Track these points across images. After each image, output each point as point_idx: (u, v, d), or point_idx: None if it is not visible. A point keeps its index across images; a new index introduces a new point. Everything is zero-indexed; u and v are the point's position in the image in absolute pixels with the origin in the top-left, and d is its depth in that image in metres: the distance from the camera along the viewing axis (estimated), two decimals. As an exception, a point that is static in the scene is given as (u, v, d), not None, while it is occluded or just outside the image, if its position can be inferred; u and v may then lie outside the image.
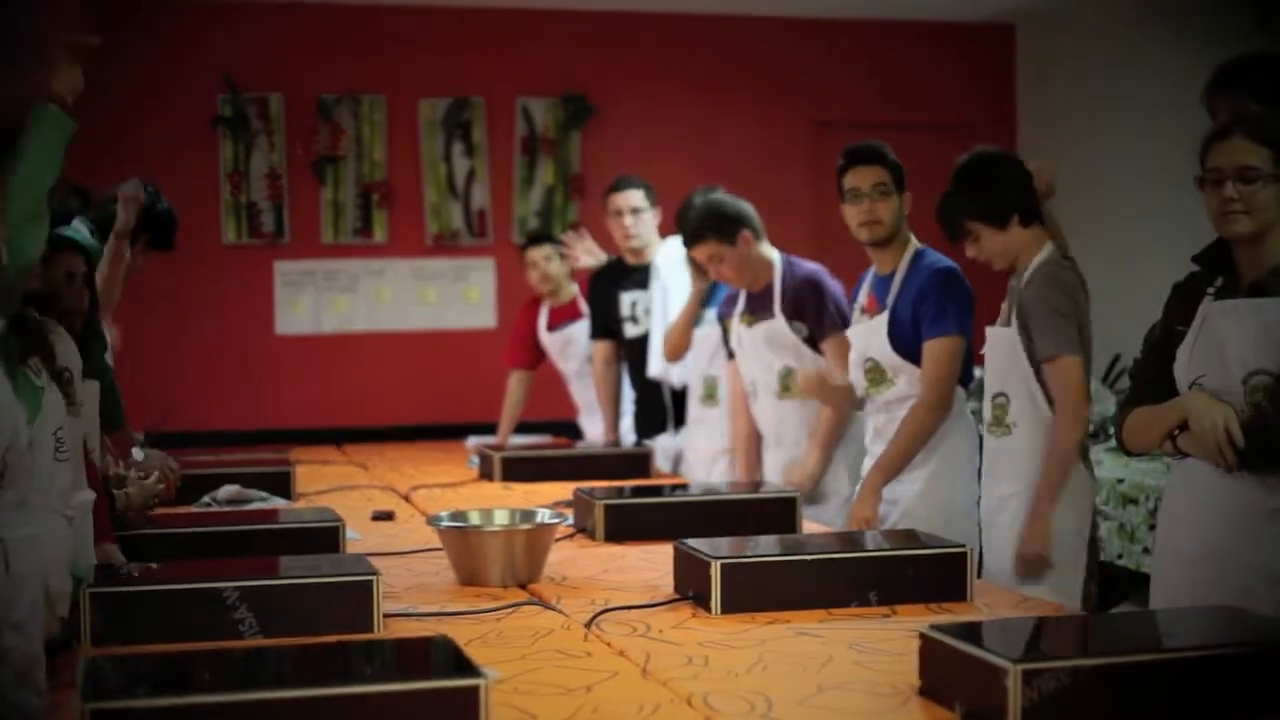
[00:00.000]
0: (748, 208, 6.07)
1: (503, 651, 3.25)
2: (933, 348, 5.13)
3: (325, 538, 4.29)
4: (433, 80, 9.39)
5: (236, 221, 9.15)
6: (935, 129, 8.90)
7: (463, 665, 2.62)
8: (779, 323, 5.88)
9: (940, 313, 5.08)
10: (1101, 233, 7.26)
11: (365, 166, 9.33)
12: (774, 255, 6.05)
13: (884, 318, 5.20)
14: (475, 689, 2.53)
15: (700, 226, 5.94)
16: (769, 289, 5.94)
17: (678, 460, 6.93)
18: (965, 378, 5.15)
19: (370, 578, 3.46)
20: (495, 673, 2.93)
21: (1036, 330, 4.58)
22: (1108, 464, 6.73)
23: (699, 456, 6.66)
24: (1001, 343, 4.69)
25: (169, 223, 5.50)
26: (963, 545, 3.85)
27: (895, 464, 5.13)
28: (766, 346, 5.93)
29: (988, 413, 4.75)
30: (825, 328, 5.87)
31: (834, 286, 5.95)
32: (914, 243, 5.29)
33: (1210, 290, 3.80)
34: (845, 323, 5.73)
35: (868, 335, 5.30)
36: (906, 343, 5.15)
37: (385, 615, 3.50)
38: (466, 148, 9.47)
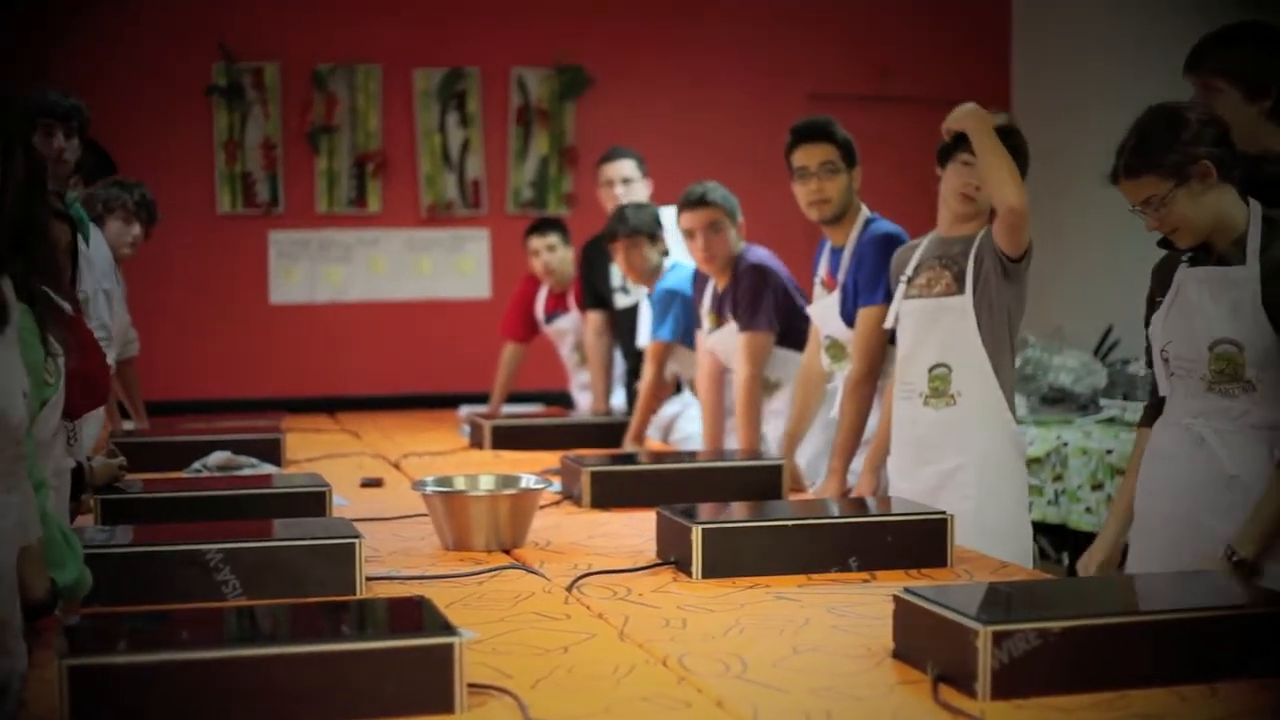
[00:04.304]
0: None
1: (483, 613, 3.28)
2: (863, 316, 5.08)
3: (311, 503, 4.31)
4: (428, 50, 9.40)
5: (231, 191, 9.17)
6: (930, 102, 8.90)
7: (438, 624, 2.65)
8: (732, 328, 5.84)
9: (873, 280, 5.03)
10: (1096, 206, 7.27)
11: (360, 136, 9.34)
12: (739, 249, 5.96)
13: (837, 294, 5.18)
14: (450, 647, 2.55)
15: (713, 194, 5.88)
16: (728, 289, 5.89)
17: (668, 430, 6.95)
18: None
19: (353, 541, 3.49)
20: (472, 633, 2.95)
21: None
22: (1097, 435, 6.76)
23: (697, 429, 6.67)
24: (948, 312, 4.62)
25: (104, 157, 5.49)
26: (943, 512, 3.87)
27: (849, 444, 5.09)
28: (731, 345, 5.86)
29: (922, 384, 4.64)
30: (749, 320, 5.76)
31: (778, 279, 5.83)
32: (864, 213, 5.24)
33: (1185, 258, 3.83)
34: (782, 317, 5.73)
35: (825, 312, 5.28)
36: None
37: (368, 578, 3.54)
38: (461, 118, 9.49)
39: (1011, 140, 4.56)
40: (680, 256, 6.62)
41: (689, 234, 5.86)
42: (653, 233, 6.58)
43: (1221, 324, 3.71)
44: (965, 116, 4.53)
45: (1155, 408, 3.98)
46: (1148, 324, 3.96)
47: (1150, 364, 4.01)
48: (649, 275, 6.60)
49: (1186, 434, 3.77)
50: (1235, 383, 3.70)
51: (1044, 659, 2.66)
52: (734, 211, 5.85)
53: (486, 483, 4.30)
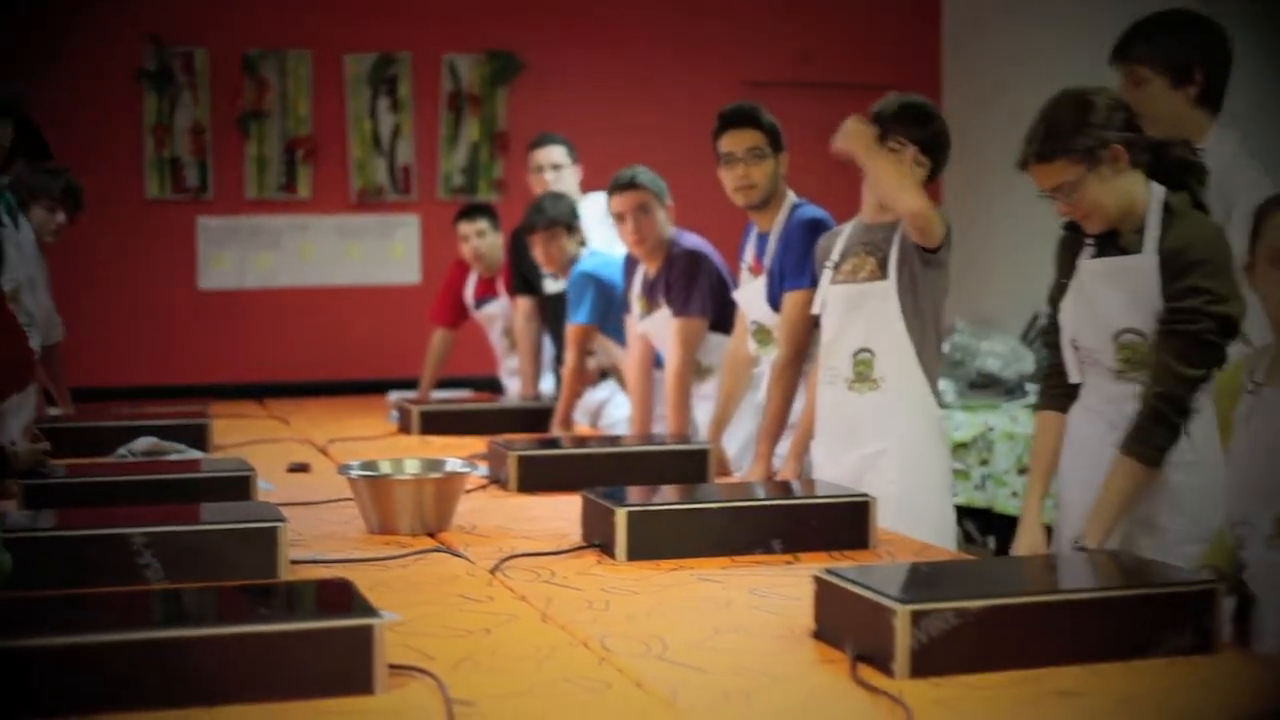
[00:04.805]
0: None
1: (406, 596, 3.28)
2: (788, 301, 5.08)
3: (236, 487, 4.30)
4: (359, 36, 9.38)
5: (160, 176, 9.13)
6: (861, 88, 8.92)
7: (359, 606, 2.65)
8: (665, 313, 5.85)
9: (799, 264, 5.04)
10: (1024, 191, 7.31)
11: (290, 122, 9.32)
12: (670, 234, 5.97)
13: (764, 279, 5.20)
14: (369, 629, 2.55)
15: (641, 177, 5.88)
16: (660, 274, 5.90)
17: (597, 415, 6.96)
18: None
19: (275, 525, 3.48)
20: (394, 615, 2.96)
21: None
22: (1024, 420, 6.81)
23: (625, 414, 6.68)
24: (871, 297, 4.62)
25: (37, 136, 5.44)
26: (865, 495, 3.90)
27: (774, 429, 5.10)
28: (666, 332, 5.87)
29: (846, 369, 4.65)
30: (683, 305, 5.78)
31: (712, 266, 5.85)
32: (791, 199, 5.26)
33: (1089, 241, 3.88)
34: (715, 303, 5.73)
35: (751, 297, 5.29)
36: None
37: (291, 562, 3.53)
38: (392, 104, 9.47)
39: (931, 125, 4.60)
40: (602, 245, 6.64)
41: (619, 217, 5.86)
42: (570, 224, 6.60)
43: (1124, 314, 3.77)
44: (847, 138, 4.57)
45: (1053, 391, 4.03)
46: (1051, 303, 4.01)
47: (1047, 344, 4.07)
48: (566, 266, 6.61)
49: (1101, 420, 3.82)
50: (1142, 370, 3.75)
51: (962, 638, 2.68)
52: (662, 194, 5.86)
53: (412, 466, 4.29)
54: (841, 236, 4.78)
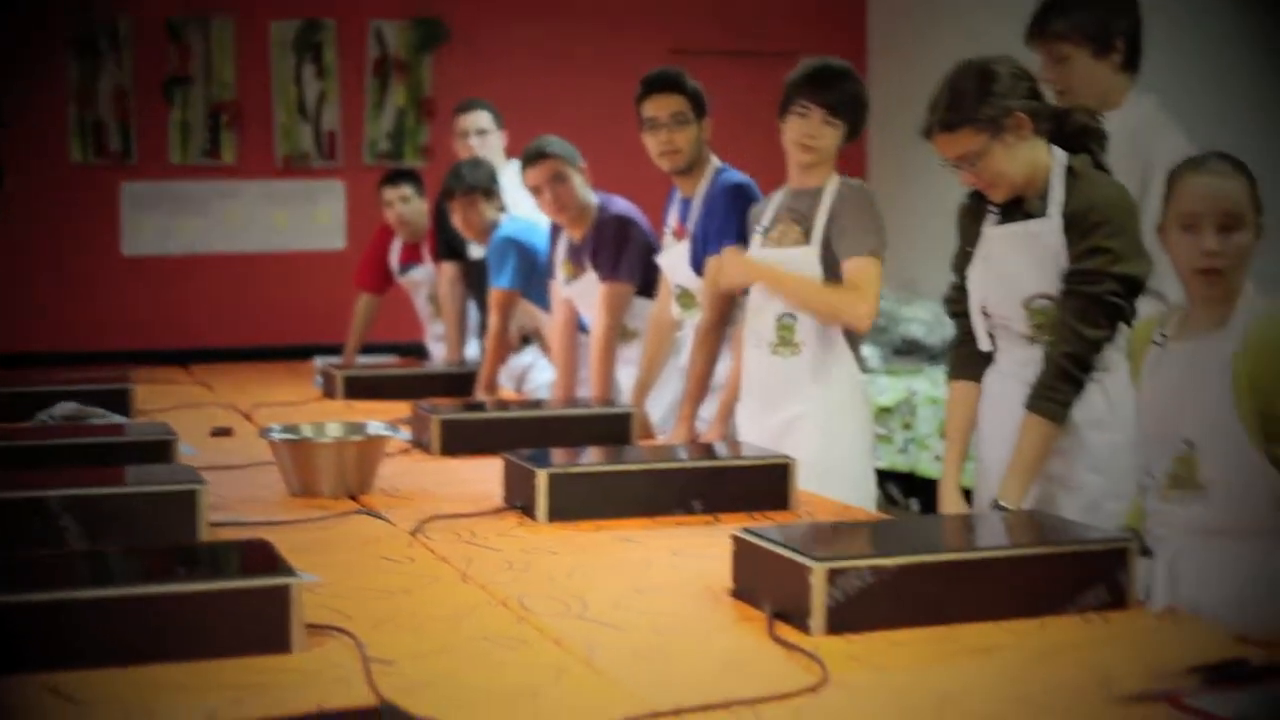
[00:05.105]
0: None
1: (326, 558, 3.28)
2: (712, 264, 5.07)
3: (157, 451, 4.28)
4: (284, 2, 9.31)
5: (83, 141, 9.05)
6: (788, 55, 8.93)
7: (276, 567, 2.65)
8: (593, 278, 5.85)
9: (723, 228, 5.03)
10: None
11: (214, 88, 9.25)
12: (594, 200, 5.96)
13: (687, 243, 5.21)
14: (286, 588, 2.56)
15: (550, 146, 5.87)
16: (587, 239, 5.90)
17: (521, 380, 6.96)
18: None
19: (195, 487, 3.47)
20: (313, 576, 2.96)
21: (850, 227, 4.53)
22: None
23: (550, 379, 6.68)
24: (794, 263, 4.59)
25: None
26: (785, 456, 3.92)
27: (697, 392, 5.10)
28: (592, 297, 5.87)
29: (770, 333, 4.65)
30: (611, 270, 5.76)
31: (640, 231, 5.82)
32: (714, 164, 5.25)
33: (992, 209, 3.91)
34: (643, 268, 5.73)
35: (675, 261, 5.30)
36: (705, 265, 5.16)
37: (212, 524, 3.52)
38: (318, 70, 9.41)
39: (841, 86, 4.60)
40: (529, 210, 6.61)
41: (535, 190, 5.85)
42: (489, 190, 6.57)
43: (1032, 279, 3.81)
44: (728, 277, 4.67)
45: (965, 359, 4.06)
46: (955, 270, 4.05)
47: (954, 313, 4.10)
48: (485, 232, 6.59)
49: (1017, 382, 3.86)
50: (1053, 333, 3.78)
51: (877, 596, 2.71)
52: (574, 159, 5.84)
53: (333, 430, 4.28)
54: (771, 202, 4.79)
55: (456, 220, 6.65)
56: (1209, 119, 5.64)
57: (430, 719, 2.02)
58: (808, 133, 4.57)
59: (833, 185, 4.59)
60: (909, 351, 7.61)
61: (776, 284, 4.56)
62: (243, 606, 2.53)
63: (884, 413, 6.93)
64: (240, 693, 2.34)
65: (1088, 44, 4.36)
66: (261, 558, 2.75)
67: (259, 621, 2.54)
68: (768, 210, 4.77)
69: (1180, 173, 3.26)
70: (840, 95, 4.57)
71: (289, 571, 2.61)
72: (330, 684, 2.39)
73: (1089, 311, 3.70)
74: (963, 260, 4.03)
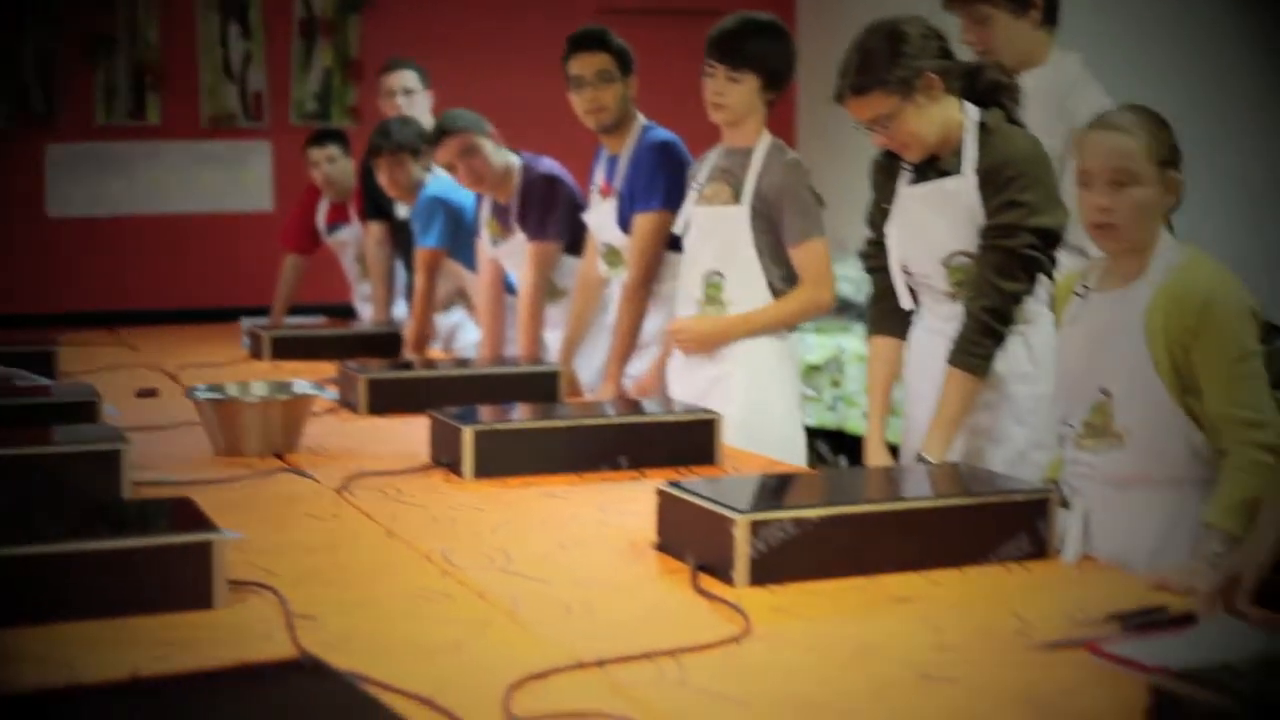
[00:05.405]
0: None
1: (250, 515, 3.26)
2: (639, 222, 5.09)
3: (81, 413, 4.24)
4: (208, -39, 9.25)
5: (6, 103, 8.95)
6: (715, 14, 8.93)
7: (199, 524, 2.64)
8: (520, 238, 5.83)
9: (650, 186, 5.05)
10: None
11: (139, 48, 9.17)
12: (515, 161, 5.93)
13: (614, 201, 5.21)
14: (208, 545, 2.55)
15: (454, 122, 5.84)
16: (513, 200, 5.88)
17: (449, 339, 6.95)
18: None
19: (118, 447, 3.45)
20: (236, 533, 2.95)
21: (790, 213, 4.55)
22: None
23: (478, 339, 6.67)
24: (723, 222, 4.62)
25: None
26: (712, 412, 3.93)
27: (624, 349, 5.13)
28: (519, 257, 5.86)
29: (698, 290, 4.67)
30: (539, 230, 5.75)
31: (567, 190, 5.82)
32: (641, 121, 5.25)
33: (906, 166, 3.93)
34: (570, 227, 5.72)
35: (601, 219, 5.30)
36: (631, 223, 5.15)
37: (136, 484, 3.51)
38: (243, 30, 9.34)
39: (759, 43, 4.58)
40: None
41: (449, 168, 5.84)
42: (416, 148, 6.53)
43: (950, 237, 3.84)
44: (702, 350, 4.65)
45: (884, 315, 4.09)
46: (870, 226, 4.07)
47: (870, 269, 4.12)
48: (411, 191, 6.56)
49: (941, 338, 3.89)
50: (973, 289, 3.81)
51: (800, 547, 2.73)
52: (480, 127, 5.82)
53: (259, 389, 4.27)
54: (707, 160, 4.79)
55: (382, 179, 6.61)
56: (1132, 76, 5.66)
57: (352, 672, 2.02)
58: (715, 90, 4.57)
59: (763, 146, 4.59)
60: (838, 310, 7.62)
61: (749, 330, 4.58)
62: (165, 563, 2.53)
63: (812, 371, 6.95)
64: (163, 649, 2.33)
65: (1005, 3, 4.37)
66: (184, 515, 2.74)
67: (182, 578, 2.53)
68: (703, 168, 4.77)
69: (1083, 130, 3.28)
70: (742, 53, 4.54)
71: (211, 528, 2.60)
72: (253, 639, 2.39)
73: (1006, 265, 3.73)
74: (878, 215, 4.05)
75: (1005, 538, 2.88)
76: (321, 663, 1.94)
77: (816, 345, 7.00)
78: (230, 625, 2.47)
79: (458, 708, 2.03)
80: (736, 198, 4.58)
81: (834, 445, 7.25)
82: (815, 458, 6.98)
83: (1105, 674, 2.22)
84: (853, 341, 7.00)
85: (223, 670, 1.95)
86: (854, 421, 6.88)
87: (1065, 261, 3.86)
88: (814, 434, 6.78)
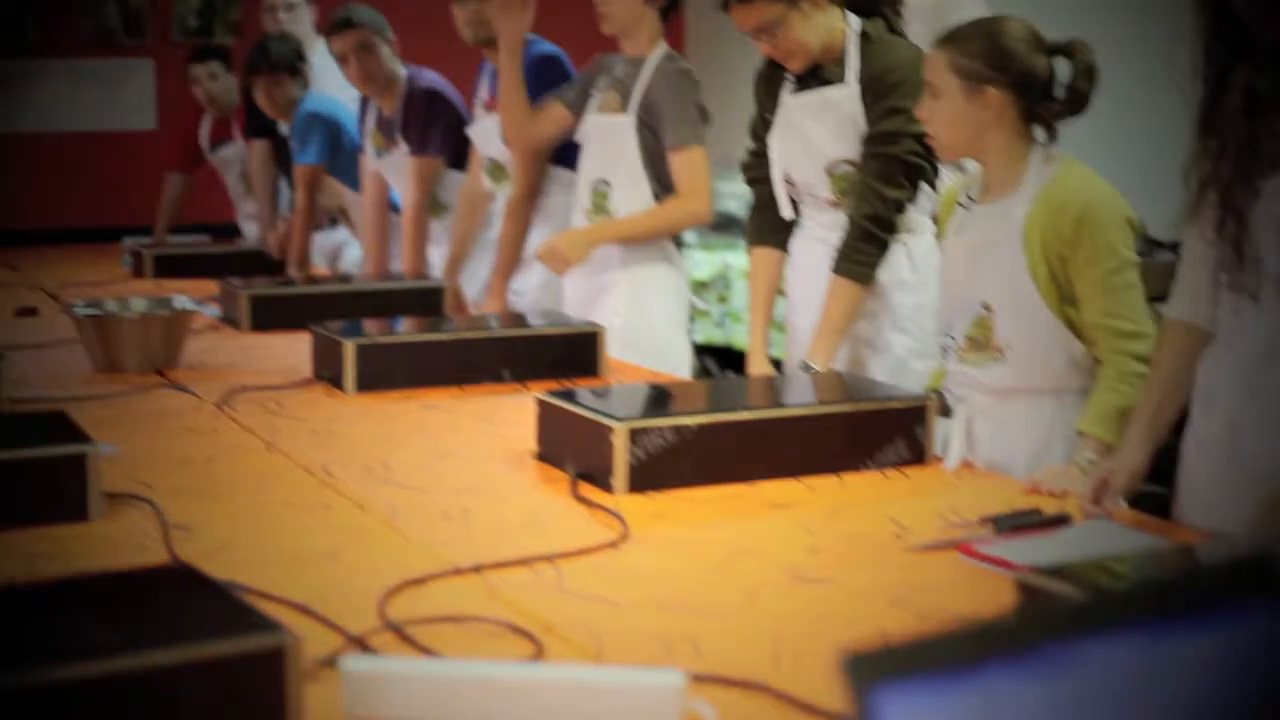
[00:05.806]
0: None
1: (128, 430, 3.25)
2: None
3: (-42, 330, 4.21)
4: (87, -127, 9.09)
5: (-119, 20, 8.80)
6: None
7: (73, 436, 2.62)
8: (404, 151, 5.78)
9: (534, 98, 4.98)
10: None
11: (17, -36, 9.02)
12: (402, 72, 5.86)
13: (498, 115, 5.16)
14: (82, 457, 2.53)
15: (358, 15, 5.77)
16: (397, 112, 5.83)
17: (335, 257, 6.89)
18: None
19: (-7, 362, 3.42)
20: (112, 447, 2.93)
21: (669, 119, 4.54)
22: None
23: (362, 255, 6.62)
24: (611, 131, 4.60)
25: None
26: (594, 324, 3.94)
27: (508, 264, 5.10)
28: (403, 171, 5.82)
29: (586, 199, 4.66)
30: (421, 145, 5.70)
31: (449, 104, 5.76)
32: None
33: (788, 78, 3.94)
34: (454, 142, 5.67)
35: (485, 134, 5.26)
36: None
37: (12, 400, 3.47)
38: (124, -55, 9.20)
39: None
40: (336, 89, 6.51)
41: (341, 59, 5.75)
42: (294, 66, 6.45)
43: (833, 145, 3.85)
44: (576, 259, 4.55)
45: (765, 226, 4.09)
46: (752, 136, 4.07)
47: (751, 180, 4.12)
48: (289, 110, 6.48)
49: (824, 246, 3.89)
50: (856, 197, 3.82)
51: (679, 454, 2.75)
52: (383, 29, 5.76)
53: (139, 305, 4.23)
54: (603, 68, 4.76)
55: (260, 99, 6.53)
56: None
57: (226, 581, 2.01)
58: (599, 1, 4.55)
59: (655, 57, 4.57)
60: (725, 226, 7.62)
61: (618, 235, 4.53)
62: (39, 475, 2.51)
63: (700, 287, 6.96)
64: (38, 560, 2.32)
65: None
66: (59, 428, 2.71)
67: (56, 490, 2.52)
68: (601, 76, 4.75)
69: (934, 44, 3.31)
70: None
71: (86, 440, 2.58)
72: (128, 550, 2.38)
73: (889, 171, 3.74)
74: (760, 126, 4.05)
75: (884, 444, 2.91)
76: (195, 570, 1.93)
77: (704, 261, 7.01)
78: (106, 536, 2.46)
79: (334, 614, 2.03)
80: (624, 107, 4.57)
81: (722, 361, 7.27)
82: (702, 373, 7.00)
83: (976, 574, 2.26)
84: (740, 258, 7.00)
85: (95, 576, 1.93)
86: (740, 337, 6.89)
87: (946, 177, 3.88)
88: (701, 350, 6.80)
